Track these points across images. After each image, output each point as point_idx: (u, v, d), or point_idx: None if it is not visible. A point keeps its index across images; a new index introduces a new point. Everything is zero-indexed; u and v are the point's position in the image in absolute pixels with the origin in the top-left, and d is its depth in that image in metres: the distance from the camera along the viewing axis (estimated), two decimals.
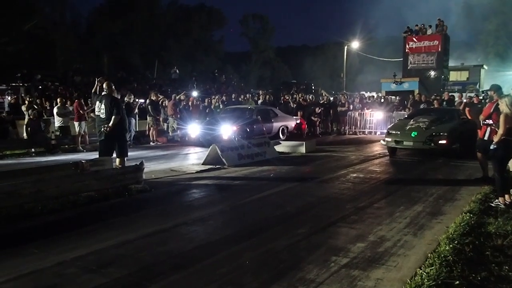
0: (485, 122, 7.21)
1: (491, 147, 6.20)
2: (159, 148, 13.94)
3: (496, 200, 6.16)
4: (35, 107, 14.19)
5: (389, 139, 11.18)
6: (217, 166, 9.65)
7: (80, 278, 3.77)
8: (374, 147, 13.88)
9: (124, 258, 4.23)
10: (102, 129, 7.74)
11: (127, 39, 41.78)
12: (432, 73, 29.08)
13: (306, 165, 10.28)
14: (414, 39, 29.55)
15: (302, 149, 12.27)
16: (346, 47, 39.57)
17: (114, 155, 7.98)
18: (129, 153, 8.49)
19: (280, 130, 16.06)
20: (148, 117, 15.77)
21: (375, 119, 18.83)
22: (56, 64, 33.68)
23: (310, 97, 22.57)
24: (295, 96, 23.18)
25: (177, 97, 16.88)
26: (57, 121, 13.65)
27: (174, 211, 6.14)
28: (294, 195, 7.08)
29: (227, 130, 13.49)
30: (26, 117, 13.59)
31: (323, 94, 30.84)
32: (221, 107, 18.04)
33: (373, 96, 25.51)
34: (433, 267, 3.81)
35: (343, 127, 19.55)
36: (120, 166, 7.76)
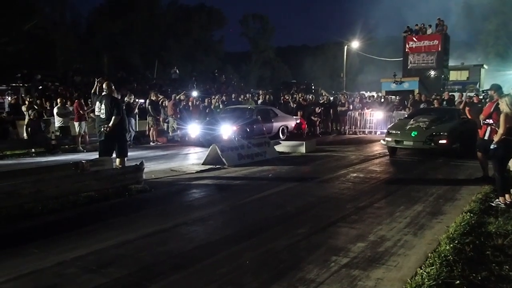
0: (485, 122, 7.21)
1: (492, 146, 6.20)
2: (159, 148, 13.94)
3: (497, 200, 6.16)
4: (35, 107, 14.18)
5: (389, 139, 11.18)
6: (217, 166, 9.65)
7: (80, 278, 3.77)
8: (374, 147, 13.88)
9: (124, 258, 4.23)
10: (102, 129, 7.74)
11: (127, 39, 41.77)
12: (432, 72, 29.07)
13: (306, 165, 10.28)
14: (414, 38, 29.52)
15: (302, 149, 12.26)
16: (346, 47, 39.55)
17: (114, 155, 7.98)
18: (129, 153, 8.49)
19: (280, 130, 16.06)
20: (148, 117, 15.77)
21: (375, 119, 18.82)
22: (56, 64, 33.68)
23: (310, 97, 22.55)
24: (295, 96, 23.17)
25: (177, 97, 16.88)
26: (57, 121, 13.65)
27: (174, 211, 6.13)
28: (294, 195, 7.08)
29: (227, 130, 13.49)
30: (26, 117, 13.59)
31: (323, 94, 30.78)
32: (221, 107, 18.03)
33: (373, 96, 25.49)
34: (433, 267, 3.80)
35: (343, 127, 19.55)
36: (120, 166, 7.76)
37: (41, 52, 31.49)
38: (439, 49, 28.88)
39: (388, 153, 11.63)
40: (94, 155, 9.05)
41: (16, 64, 26.21)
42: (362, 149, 13.56)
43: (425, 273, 3.69)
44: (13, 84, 22.63)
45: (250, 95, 23.48)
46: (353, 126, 19.31)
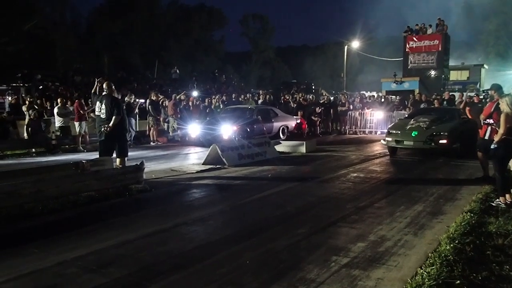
0: (486, 122, 7.21)
1: (492, 146, 6.20)
2: (160, 148, 13.94)
3: (497, 200, 6.16)
4: (36, 107, 14.19)
5: (390, 139, 11.17)
6: (217, 166, 9.65)
7: (80, 278, 3.77)
8: (374, 147, 13.88)
9: (124, 258, 4.23)
10: (103, 129, 7.74)
11: (127, 39, 41.77)
12: (433, 72, 29.06)
13: (306, 165, 10.27)
14: (414, 38, 29.52)
15: (303, 149, 12.26)
16: (346, 47, 39.53)
17: (114, 155, 7.98)
18: (129, 153, 8.49)
19: (281, 130, 16.06)
20: (148, 117, 15.77)
21: (376, 119, 18.82)
22: (57, 64, 33.68)
23: (311, 97, 22.55)
24: (295, 96, 23.17)
25: (177, 97, 16.88)
26: (58, 121, 13.66)
27: (174, 211, 6.13)
28: (295, 195, 7.08)
29: (228, 130, 13.49)
30: (27, 117, 13.59)
31: (323, 94, 30.82)
32: (221, 107, 18.03)
33: (374, 96, 25.46)
34: (433, 267, 3.80)
35: (343, 127, 19.55)
36: (120, 166, 7.76)
37: (41, 52, 31.49)
38: (440, 49, 28.87)
39: (388, 153, 11.63)
40: (95, 155, 9.05)
41: (16, 64, 26.21)
42: (363, 149, 13.56)
43: (425, 273, 3.69)
44: (14, 84, 22.62)
45: (250, 95, 23.48)
46: (354, 126, 19.31)
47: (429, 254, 4.17)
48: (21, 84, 22.56)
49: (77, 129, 13.27)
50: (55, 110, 13.77)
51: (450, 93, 18.89)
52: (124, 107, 8.80)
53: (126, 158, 8.07)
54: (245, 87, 38.99)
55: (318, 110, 18.83)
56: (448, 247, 4.27)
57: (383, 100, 22.25)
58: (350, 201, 6.50)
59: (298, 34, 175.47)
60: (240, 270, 3.90)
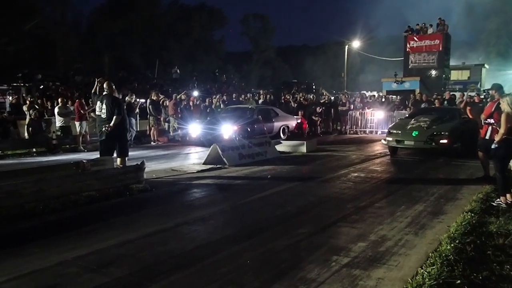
0: (487, 121, 7.20)
1: (493, 146, 6.19)
2: (160, 148, 13.94)
3: (498, 200, 6.16)
4: (36, 107, 14.20)
5: (390, 139, 11.17)
6: (218, 166, 9.65)
7: (81, 277, 3.78)
8: (375, 147, 13.87)
9: (125, 257, 4.23)
10: (103, 128, 7.75)
11: (127, 39, 41.78)
12: (433, 72, 29.05)
13: (307, 165, 10.27)
14: (415, 38, 29.51)
15: (303, 149, 12.26)
16: (347, 47, 39.53)
17: (115, 154, 7.98)
18: (130, 153, 8.50)
19: (281, 130, 16.05)
20: (149, 117, 15.77)
21: (376, 119, 18.81)
22: (57, 64, 33.71)
23: (311, 97, 22.54)
24: (296, 95, 23.17)
25: (178, 97, 16.89)
26: (58, 121, 13.66)
27: (175, 211, 6.13)
28: (295, 195, 7.08)
29: (228, 129, 13.49)
30: (27, 117, 13.60)
31: (324, 94, 30.83)
32: (222, 106, 18.02)
33: (374, 96, 25.45)
34: (434, 267, 3.80)
35: (344, 127, 19.55)
36: (121, 165, 7.77)
37: (42, 52, 31.52)
38: (440, 48, 28.87)
39: (389, 153, 11.62)
40: (95, 155, 9.06)
41: (17, 64, 26.25)
42: (363, 148, 13.56)
43: (426, 272, 3.69)
44: (14, 84, 22.65)
45: (251, 95, 23.48)
46: (354, 126, 19.30)
47: (430, 254, 4.17)
48: (22, 84, 22.60)
49: (78, 129, 13.28)
50: (56, 110, 13.77)
51: (451, 93, 18.88)
52: (125, 106, 8.80)
53: (126, 158, 8.08)
54: (245, 87, 38.99)
55: (318, 110, 18.84)
56: (448, 247, 4.27)
57: (383, 100, 22.24)
58: (351, 201, 6.50)
59: (299, 33, 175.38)
60: (241, 270, 3.90)
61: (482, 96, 15.74)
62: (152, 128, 15.54)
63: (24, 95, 19.75)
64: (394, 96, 24.23)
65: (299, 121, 17.26)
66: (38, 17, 32.21)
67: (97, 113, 8.17)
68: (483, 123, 7.42)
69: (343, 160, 10.90)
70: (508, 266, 3.88)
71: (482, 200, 6.31)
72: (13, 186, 5.72)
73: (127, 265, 4.02)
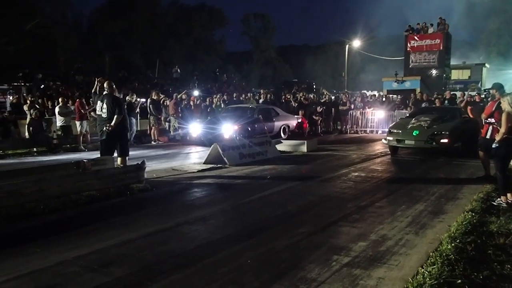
0: (487, 121, 7.19)
1: (493, 145, 6.19)
2: (161, 147, 13.94)
3: (498, 199, 6.15)
4: (37, 106, 14.21)
5: (391, 138, 11.17)
6: (218, 165, 9.65)
7: (81, 277, 3.78)
8: (375, 146, 13.87)
9: (125, 257, 4.23)
10: (104, 128, 7.75)
11: (128, 38, 41.80)
12: (434, 71, 29.04)
13: (307, 164, 10.27)
14: (415, 37, 29.50)
15: (304, 148, 12.26)
16: (347, 46, 39.52)
17: (116, 154, 7.98)
18: (130, 152, 8.49)
19: (282, 129, 16.05)
20: (149, 117, 15.78)
21: (377, 118, 18.81)
22: (58, 64, 33.72)
23: (312, 96, 22.53)
24: (296, 95, 23.16)
25: (178, 96, 16.90)
26: (59, 121, 13.67)
27: (176, 210, 6.13)
28: (296, 194, 7.07)
29: (229, 129, 13.49)
30: (28, 116, 13.62)
31: (325, 93, 30.82)
32: (222, 106, 18.04)
33: (375, 95, 25.46)
34: (435, 266, 3.80)
35: (344, 126, 19.55)
36: (121, 165, 7.77)
37: (42, 51, 31.54)
38: (441, 48, 28.86)
39: (389, 152, 11.62)
40: (96, 154, 9.07)
41: (17, 63, 26.25)
42: (364, 148, 13.55)
43: (426, 272, 3.69)
44: (15, 84, 22.64)
45: (252, 94, 23.49)
46: (355, 125, 19.30)
47: (430, 253, 4.17)
48: (23, 84, 22.59)
49: (78, 129, 13.28)
50: (56, 110, 13.78)
51: (452, 92, 18.89)
52: (125, 106, 8.80)
53: (127, 158, 8.08)
54: (246, 87, 38.96)
55: (319, 109, 18.85)
56: (449, 247, 4.27)
57: (384, 99, 22.25)
58: (351, 200, 6.50)
59: (299, 33, 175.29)
60: (241, 270, 3.90)
61: (483, 96, 15.75)
62: (153, 127, 15.55)
63: (24, 94, 19.76)
64: (395, 96, 24.24)
65: (299, 120, 17.26)
66: (38, 17, 32.23)
67: (97, 112, 8.17)
68: (483, 123, 7.41)
69: (343, 160, 10.90)
70: (508, 266, 3.87)
71: (482, 199, 6.31)
72: (14, 186, 5.72)
73: (128, 265, 4.02)
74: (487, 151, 7.11)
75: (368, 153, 12.18)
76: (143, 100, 18.69)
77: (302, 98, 20.79)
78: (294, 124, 16.92)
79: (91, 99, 13.37)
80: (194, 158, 11.55)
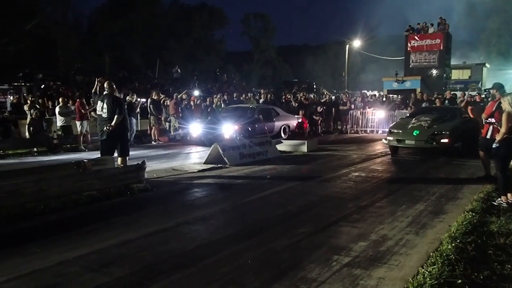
0: (487, 121, 7.18)
1: (494, 145, 6.19)
2: (161, 147, 13.94)
3: (499, 199, 6.15)
4: (37, 106, 14.21)
5: (391, 138, 11.17)
6: (218, 165, 9.65)
7: (82, 277, 3.78)
8: (376, 146, 13.87)
9: (125, 257, 4.23)
10: (104, 128, 7.75)
11: (128, 38, 41.79)
12: (434, 71, 29.04)
13: (307, 164, 10.27)
14: (416, 37, 29.52)
15: (304, 148, 12.26)
16: (347, 46, 39.52)
17: (116, 154, 7.98)
18: (130, 152, 8.49)
19: (282, 129, 16.05)
20: (149, 117, 15.78)
21: (377, 118, 18.81)
22: (58, 64, 33.73)
23: (312, 96, 22.53)
24: (297, 95, 23.15)
25: (178, 96, 16.90)
26: (59, 121, 13.68)
27: (176, 210, 6.13)
28: (296, 194, 7.07)
29: (229, 129, 13.49)
30: (28, 116, 13.61)
31: (325, 93, 30.82)
32: (222, 106, 18.04)
33: (375, 95, 25.45)
34: (435, 266, 3.80)
35: (344, 126, 19.55)
36: (122, 165, 7.77)
37: (42, 51, 31.55)
38: (441, 48, 28.87)
39: (389, 152, 11.62)
40: (96, 154, 9.06)
41: (18, 63, 26.26)
42: (364, 148, 13.55)
43: (427, 272, 3.69)
44: (15, 84, 22.65)
45: (252, 94, 23.49)
46: (355, 125, 19.30)
47: (431, 253, 4.16)
48: (23, 84, 22.60)
49: (79, 129, 13.28)
50: (57, 110, 13.78)
51: (452, 92, 18.89)
52: (126, 106, 8.81)
53: (127, 158, 8.08)
54: (246, 87, 38.98)
55: (319, 109, 18.86)
56: (449, 247, 4.27)
57: (384, 99, 22.25)
58: (352, 200, 6.50)
59: (300, 33, 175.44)
60: (241, 270, 3.90)
61: (483, 96, 15.73)
62: (153, 127, 15.55)
63: (25, 94, 19.75)
64: (395, 96, 24.26)
65: (300, 120, 17.26)
66: (38, 17, 32.22)
67: (98, 112, 8.17)
68: (484, 123, 7.41)
69: (344, 160, 10.89)
70: (509, 266, 3.87)
71: (483, 199, 6.30)
72: (14, 186, 5.72)
73: (128, 265, 4.02)
74: (487, 151, 7.11)
75: (369, 153, 12.17)
76: (144, 100, 18.69)
77: (302, 98, 20.80)
78: (295, 124, 16.93)
79: (91, 99, 13.41)
80: (195, 158, 11.55)
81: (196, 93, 22.17)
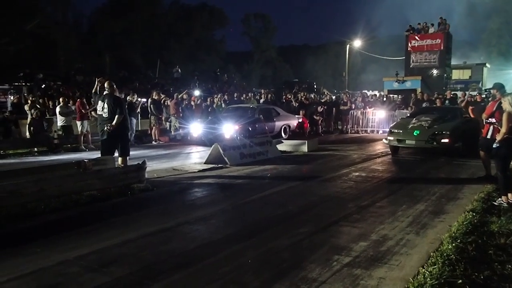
0: (488, 121, 7.18)
1: (494, 145, 6.19)
2: (161, 147, 13.95)
3: (499, 199, 6.15)
4: (38, 106, 14.21)
5: (392, 138, 11.16)
6: (219, 165, 9.65)
7: (82, 277, 3.78)
8: (376, 146, 13.86)
9: (126, 257, 4.23)
10: (105, 128, 7.76)
11: (128, 38, 41.79)
12: (435, 71, 29.03)
13: (308, 164, 10.27)
14: (416, 37, 29.50)
15: (304, 148, 12.26)
16: (348, 46, 39.50)
17: (116, 154, 7.99)
18: (131, 152, 8.50)
19: (282, 129, 16.05)
20: (150, 117, 15.79)
21: (377, 118, 18.82)
22: (58, 64, 33.73)
23: (312, 96, 22.53)
24: (298, 95, 23.15)
25: (179, 96, 16.91)
26: (60, 121, 13.69)
27: (176, 210, 6.14)
28: (296, 194, 7.07)
29: (229, 129, 13.49)
30: (29, 116, 13.62)
31: (325, 93, 30.81)
32: (223, 106, 18.04)
33: (375, 95, 25.43)
34: (435, 266, 3.79)
35: (345, 126, 19.55)
36: (122, 165, 7.78)
37: (43, 51, 31.55)
38: (442, 48, 28.85)
39: (390, 152, 11.62)
40: (96, 154, 9.07)
41: (18, 63, 26.27)
42: (364, 148, 13.55)
43: (427, 272, 3.68)
44: (16, 84, 22.66)
45: (252, 94, 23.49)
46: (355, 125, 19.30)
47: (431, 253, 4.16)
48: (23, 84, 22.61)
49: (79, 128, 13.30)
50: (57, 109, 13.79)
51: (452, 92, 18.88)
52: (126, 106, 8.81)
53: (128, 157, 8.09)
54: (247, 86, 38.96)
55: (320, 109, 18.85)
56: (450, 247, 4.26)
57: (385, 99, 22.24)
58: (352, 200, 6.49)
59: (300, 33, 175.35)
60: (242, 269, 3.90)
61: (484, 96, 15.71)
62: (154, 127, 15.56)
63: (25, 94, 19.75)
64: (396, 96, 24.25)
65: (300, 120, 17.25)
66: (39, 17, 32.22)
67: (98, 112, 8.18)
68: (484, 123, 7.40)
69: (344, 160, 10.89)
70: (509, 266, 3.87)
71: (483, 199, 6.30)
72: (15, 186, 5.72)
73: (128, 265, 4.02)
74: (488, 151, 7.11)
75: (369, 153, 12.17)
76: (144, 100, 18.70)
77: (303, 98, 20.79)
78: (295, 124, 16.92)
79: (92, 99, 13.41)
80: (195, 158, 11.55)
81: (197, 93, 22.17)
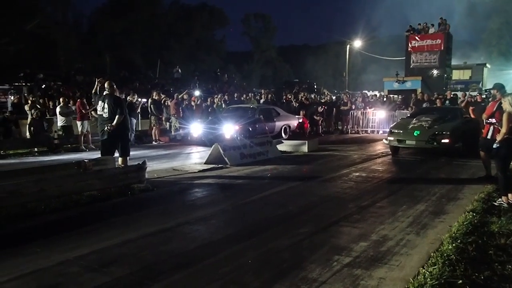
0: (488, 121, 7.18)
1: (494, 146, 6.19)
2: (162, 148, 13.95)
3: (499, 199, 6.14)
4: (38, 106, 14.21)
5: (392, 138, 11.16)
6: (219, 165, 9.65)
7: (82, 277, 3.78)
8: (376, 146, 13.86)
9: (126, 257, 4.23)
10: (105, 128, 7.76)
11: (128, 38, 41.80)
12: (435, 72, 29.02)
13: (308, 164, 10.27)
14: (416, 38, 29.49)
15: (305, 148, 12.26)
16: (348, 46, 39.50)
17: (117, 154, 7.99)
18: (131, 153, 8.50)
19: (283, 129, 16.05)
20: (150, 117, 15.79)
21: (378, 118, 18.82)
22: (58, 64, 33.73)
23: (313, 96, 22.54)
24: (298, 95, 23.15)
25: (179, 96, 16.91)
26: (60, 121, 13.69)
27: (176, 210, 6.14)
28: (297, 194, 7.07)
29: (230, 129, 13.49)
30: (29, 116, 13.62)
31: (326, 93, 30.82)
32: (223, 106, 18.04)
33: (376, 95, 25.43)
34: (436, 266, 3.79)
35: (345, 126, 19.56)
36: (122, 165, 7.78)
37: (43, 51, 31.54)
38: (442, 48, 28.85)
39: (390, 152, 11.61)
40: (97, 154, 9.08)
41: (18, 63, 26.27)
42: (365, 148, 13.55)
43: (427, 272, 3.68)
44: (16, 84, 22.66)
45: (252, 94, 23.49)
46: (356, 125, 19.30)
47: (431, 254, 4.16)
48: (24, 84, 22.61)
49: (79, 129, 13.30)
50: (57, 110, 13.79)
51: (452, 93, 18.89)
52: (127, 106, 8.82)
53: (128, 158, 8.09)
54: (247, 87, 38.96)
55: (320, 109, 18.85)
56: (450, 247, 4.26)
57: (385, 99, 22.24)
58: (352, 201, 6.49)
59: (300, 33, 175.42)
60: (242, 270, 3.90)
61: (484, 96, 15.71)
62: (154, 127, 15.56)
63: (25, 94, 19.76)
64: (396, 96, 24.26)
65: (300, 120, 17.25)
66: (39, 17, 32.22)
67: (98, 112, 8.18)
68: (484, 123, 7.40)
69: (344, 160, 10.89)
70: (510, 266, 3.86)
71: (483, 200, 6.30)
72: (15, 186, 5.72)
73: (128, 265, 4.02)
74: (488, 151, 7.11)
75: (369, 153, 12.17)
76: (144, 100, 18.70)
77: (303, 98, 20.79)
78: (295, 124, 16.92)
79: (92, 99, 13.41)
80: (195, 158, 11.55)
81: (197, 93, 22.18)
